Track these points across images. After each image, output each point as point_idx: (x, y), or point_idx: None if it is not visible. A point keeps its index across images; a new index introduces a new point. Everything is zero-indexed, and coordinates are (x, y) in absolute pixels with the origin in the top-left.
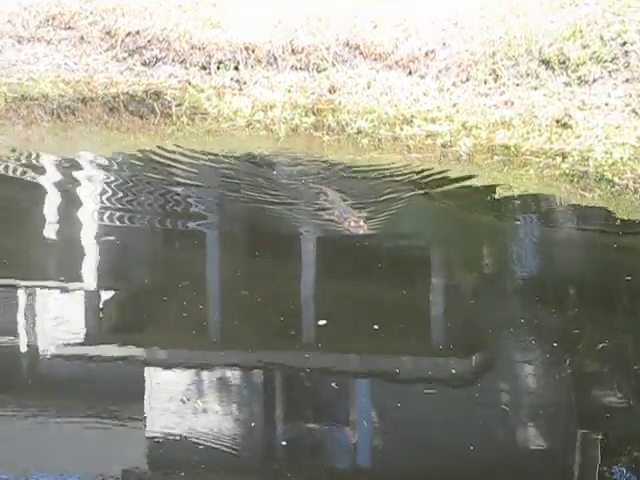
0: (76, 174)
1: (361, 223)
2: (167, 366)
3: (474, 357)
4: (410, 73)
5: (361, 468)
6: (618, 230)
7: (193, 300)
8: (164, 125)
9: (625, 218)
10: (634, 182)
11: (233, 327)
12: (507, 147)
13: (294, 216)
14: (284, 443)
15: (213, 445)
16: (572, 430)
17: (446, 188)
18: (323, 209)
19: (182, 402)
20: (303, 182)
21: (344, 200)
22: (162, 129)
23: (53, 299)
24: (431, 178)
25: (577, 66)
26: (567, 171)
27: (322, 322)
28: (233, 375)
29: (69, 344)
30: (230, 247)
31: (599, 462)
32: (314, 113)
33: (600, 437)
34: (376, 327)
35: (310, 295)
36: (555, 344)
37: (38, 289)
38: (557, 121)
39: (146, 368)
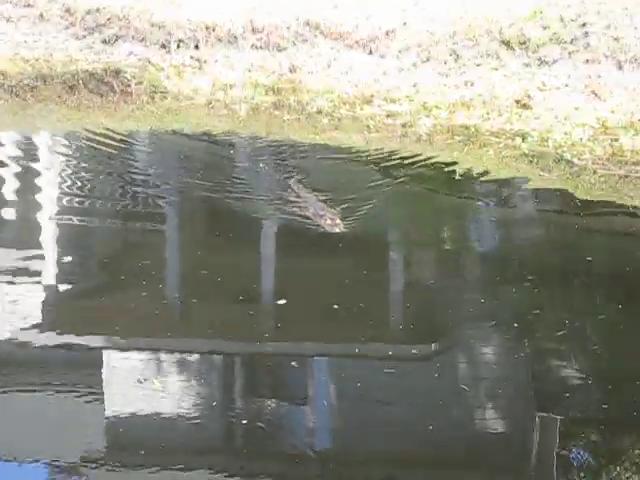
0: (33, 152)
1: (337, 221)
2: (126, 346)
3: (434, 337)
4: (370, 52)
5: (320, 447)
6: (579, 211)
7: (153, 279)
8: (124, 103)
9: (585, 199)
10: (593, 163)
11: (192, 306)
12: (467, 127)
13: (254, 197)
14: (244, 422)
15: (172, 424)
16: (531, 410)
17: (406, 168)
18: (297, 207)
19: (140, 382)
20: (263, 163)
21: (316, 196)
22: (122, 107)
23: (8, 279)
24: (390, 158)
25: (537, 47)
26: (526, 151)
27: (282, 302)
28: (193, 354)
29: (26, 324)
30: (189, 227)
31: (557, 442)
32: (274, 92)
33: (559, 417)
34: (336, 307)
35: (270, 275)
36: (515, 325)
37: None
38: (517, 102)
39: (104, 348)
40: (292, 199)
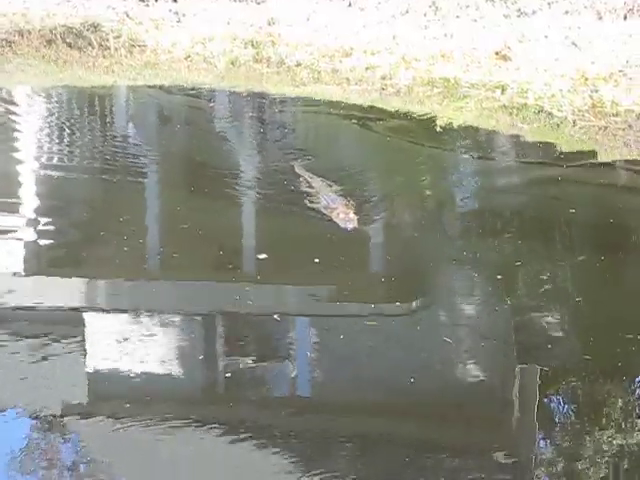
0: (11, 108)
1: (351, 215)
2: (109, 300)
3: (416, 290)
4: (350, 5)
5: (304, 400)
6: (562, 163)
7: (133, 235)
8: (102, 58)
9: (567, 150)
10: (573, 114)
11: (173, 261)
12: (447, 79)
13: (234, 153)
14: (227, 375)
15: (156, 378)
16: (513, 362)
17: (386, 121)
18: (307, 197)
19: (124, 338)
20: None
21: (329, 185)
22: (100, 62)
23: None
24: (370, 111)
25: None
26: (506, 103)
27: (262, 256)
28: (174, 309)
29: (6, 278)
30: (169, 182)
31: (538, 393)
32: (253, 46)
33: (541, 368)
34: (317, 260)
35: (250, 229)
36: (498, 276)
37: None
38: (497, 53)
39: (87, 303)
40: (303, 189)
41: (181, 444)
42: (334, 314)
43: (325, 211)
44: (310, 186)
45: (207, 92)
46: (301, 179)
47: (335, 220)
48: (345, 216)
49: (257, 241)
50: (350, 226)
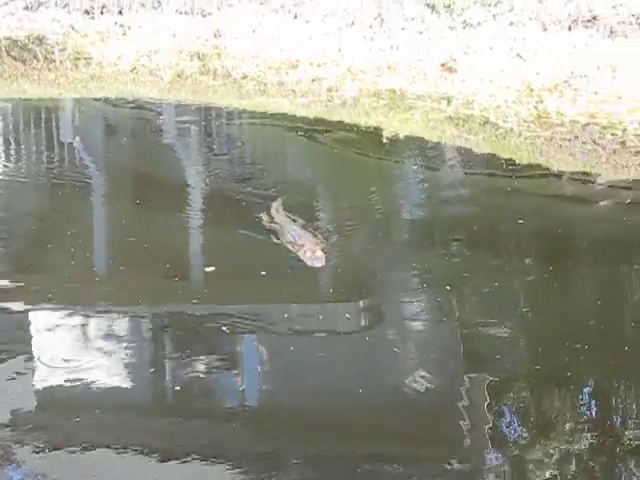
0: None
1: (318, 253)
2: (56, 313)
3: (365, 301)
4: (295, 17)
5: (254, 412)
6: (509, 174)
7: (81, 247)
8: (47, 71)
9: (516, 161)
10: (518, 125)
11: (121, 273)
12: (393, 91)
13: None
14: (177, 388)
15: (105, 390)
16: (462, 372)
17: (332, 133)
18: (271, 232)
19: (72, 349)
20: (189, 130)
21: (293, 220)
22: (45, 75)
23: None
24: (317, 123)
25: (462, 10)
26: (452, 115)
27: (210, 268)
28: (123, 321)
29: None
30: (117, 196)
31: (487, 402)
32: (199, 58)
33: (490, 378)
34: (263, 273)
35: (198, 242)
36: (447, 287)
37: None
38: (442, 65)
39: (34, 315)
40: (265, 224)
41: (127, 457)
42: (283, 326)
43: (292, 247)
44: (273, 221)
45: (153, 105)
46: (262, 214)
47: (302, 258)
48: (312, 254)
49: (204, 254)
50: (318, 264)
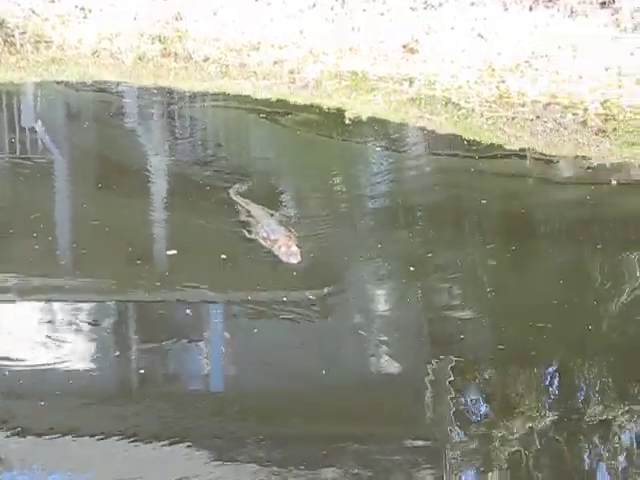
0: None
1: (293, 248)
2: (19, 298)
3: (329, 283)
4: None
5: (218, 394)
6: (472, 154)
7: (43, 232)
8: (8, 54)
9: (479, 141)
10: (480, 105)
11: (84, 257)
12: (355, 73)
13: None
14: (141, 372)
15: (68, 374)
16: (426, 352)
17: (295, 115)
18: (246, 227)
19: (36, 333)
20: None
21: (270, 214)
22: (6, 58)
23: None
24: (279, 105)
25: None
26: (414, 96)
27: (172, 252)
28: (85, 305)
29: None
30: (79, 179)
31: (451, 382)
32: (160, 41)
33: (453, 358)
34: (224, 257)
35: (160, 225)
36: (411, 268)
37: None
38: (404, 46)
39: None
40: (242, 219)
41: (93, 441)
42: (247, 308)
43: (265, 243)
44: (249, 215)
45: (115, 88)
46: (238, 207)
47: (276, 253)
48: (287, 249)
49: (167, 237)
50: (293, 260)
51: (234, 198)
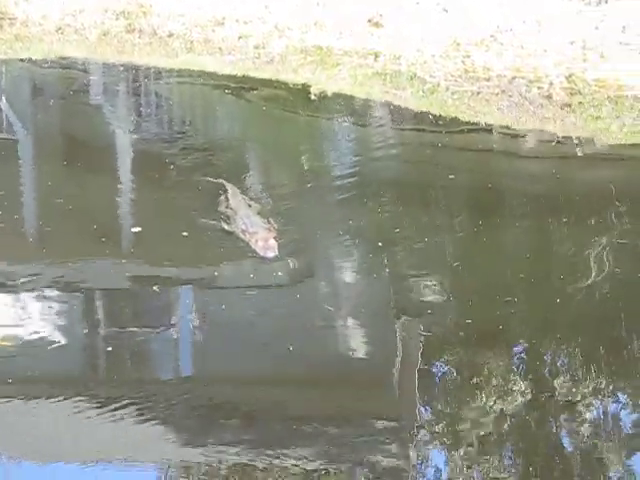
0: None
1: (271, 242)
2: None
3: (297, 259)
4: None
5: (185, 370)
6: (439, 129)
7: (8, 210)
8: None
9: (445, 116)
10: (446, 80)
11: (49, 235)
12: (320, 48)
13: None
14: (109, 349)
15: (36, 357)
16: (394, 328)
17: (260, 90)
18: (223, 219)
19: (2, 312)
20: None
21: (249, 205)
22: None
23: None
24: (244, 80)
25: None
26: (380, 70)
27: (136, 229)
28: (52, 284)
29: None
30: (44, 157)
31: (420, 358)
32: (125, 17)
33: (421, 333)
34: (185, 234)
35: (125, 203)
36: (379, 244)
37: None
38: (369, 20)
39: None
40: (221, 209)
41: (65, 417)
42: (214, 285)
43: (243, 236)
44: (228, 205)
45: (79, 65)
46: (221, 198)
47: (253, 247)
48: (264, 243)
49: (132, 214)
50: (270, 254)
51: (214, 180)
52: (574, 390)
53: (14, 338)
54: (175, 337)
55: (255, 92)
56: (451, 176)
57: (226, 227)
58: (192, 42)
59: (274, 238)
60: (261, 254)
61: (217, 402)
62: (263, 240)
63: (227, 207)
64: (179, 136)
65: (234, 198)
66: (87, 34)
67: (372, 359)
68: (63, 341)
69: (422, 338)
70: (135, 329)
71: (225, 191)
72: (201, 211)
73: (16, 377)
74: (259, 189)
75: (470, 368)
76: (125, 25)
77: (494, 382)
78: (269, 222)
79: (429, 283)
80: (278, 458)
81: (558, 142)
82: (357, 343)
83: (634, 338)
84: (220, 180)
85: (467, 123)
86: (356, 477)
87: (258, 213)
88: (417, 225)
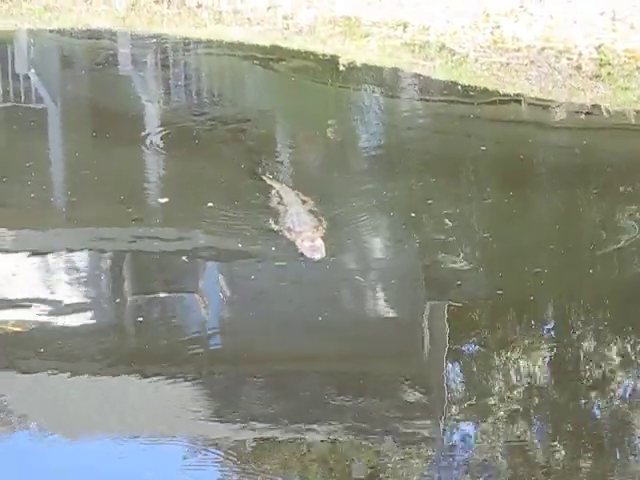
0: None
1: (317, 243)
2: (14, 247)
3: (329, 230)
4: None
5: (216, 340)
6: (470, 100)
7: (37, 181)
8: (1, 2)
9: (474, 87)
10: (475, 51)
11: (78, 206)
12: (348, 18)
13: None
14: (139, 319)
15: (64, 323)
16: (423, 298)
17: (289, 61)
18: (272, 216)
19: (32, 282)
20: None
21: (303, 201)
22: None
23: None
24: (273, 52)
25: None
26: (408, 41)
27: (164, 200)
28: (81, 253)
29: None
30: (73, 128)
31: (448, 327)
32: None
33: (451, 303)
34: (211, 204)
35: (153, 174)
36: (412, 214)
37: None
38: None
39: None
40: (272, 205)
41: (93, 388)
42: (240, 255)
43: (289, 235)
44: (281, 202)
45: (108, 35)
46: (273, 192)
47: (299, 247)
48: (311, 244)
49: (158, 186)
50: (317, 256)
51: (269, 182)
52: (604, 362)
53: (43, 306)
54: (204, 307)
55: (284, 63)
56: (483, 147)
57: (273, 225)
58: (221, 13)
59: (321, 238)
60: (307, 255)
61: (245, 375)
62: (309, 240)
63: (279, 203)
64: (207, 107)
65: (287, 195)
66: (116, 4)
67: (401, 330)
68: (92, 310)
69: (451, 309)
70: (164, 300)
71: (275, 188)
72: (230, 182)
73: (45, 344)
74: (288, 161)
75: (499, 339)
76: None
77: (524, 354)
78: (320, 221)
79: (460, 254)
80: (306, 432)
81: (588, 113)
82: (387, 314)
83: None
84: (268, 181)
85: (497, 94)
86: (384, 449)
87: (310, 211)
88: (448, 196)
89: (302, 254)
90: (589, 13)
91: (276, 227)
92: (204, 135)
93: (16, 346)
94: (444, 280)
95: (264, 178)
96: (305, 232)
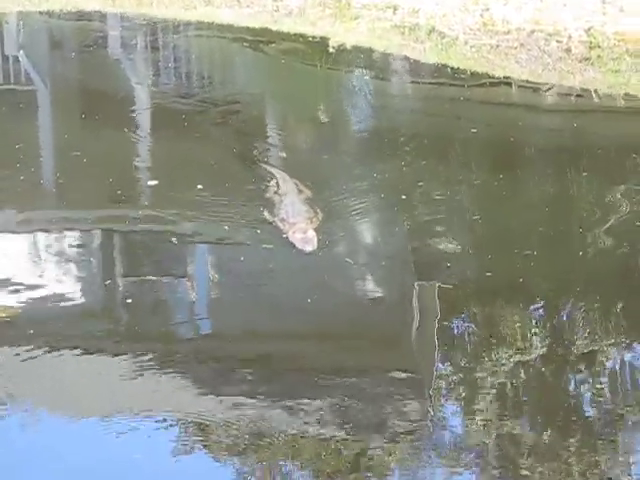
0: None
1: (309, 234)
2: (2, 229)
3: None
4: None
5: (205, 323)
6: (460, 82)
7: (26, 163)
8: None
9: (463, 70)
10: (464, 33)
11: (67, 188)
12: (338, 1)
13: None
14: (128, 301)
15: (53, 302)
16: (413, 280)
17: (279, 43)
18: (265, 206)
19: (22, 264)
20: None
21: (300, 191)
22: None
23: None
24: (263, 34)
25: None
26: (398, 23)
27: (153, 182)
28: (71, 235)
29: None
30: (62, 109)
31: (438, 310)
32: None
33: (440, 286)
34: (200, 186)
35: (142, 156)
36: (403, 197)
37: None
38: None
39: None
40: (268, 196)
41: (84, 369)
42: (228, 238)
43: (281, 225)
44: (277, 191)
45: (97, 17)
46: (272, 181)
47: (291, 239)
48: (303, 235)
49: (148, 168)
50: (308, 248)
51: (269, 169)
52: (593, 343)
53: (33, 288)
54: (193, 289)
55: (273, 45)
56: (473, 130)
57: (267, 215)
58: None
59: (313, 229)
60: (299, 247)
61: (234, 354)
62: (301, 232)
63: (276, 193)
64: (197, 89)
65: (285, 183)
66: None
67: (391, 311)
68: (82, 292)
69: (441, 291)
70: (153, 283)
71: (275, 177)
72: (219, 165)
73: (37, 330)
74: (269, 140)
75: (489, 321)
76: None
77: (513, 335)
78: (315, 212)
79: (448, 236)
80: (295, 412)
81: (577, 95)
82: (376, 295)
83: None
84: (269, 168)
85: (486, 76)
86: (373, 428)
87: (306, 201)
88: (439, 179)
89: (293, 245)
90: None
91: (269, 217)
92: (194, 117)
93: (5, 328)
94: (434, 262)
95: (263, 165)
96: (298, 224)
